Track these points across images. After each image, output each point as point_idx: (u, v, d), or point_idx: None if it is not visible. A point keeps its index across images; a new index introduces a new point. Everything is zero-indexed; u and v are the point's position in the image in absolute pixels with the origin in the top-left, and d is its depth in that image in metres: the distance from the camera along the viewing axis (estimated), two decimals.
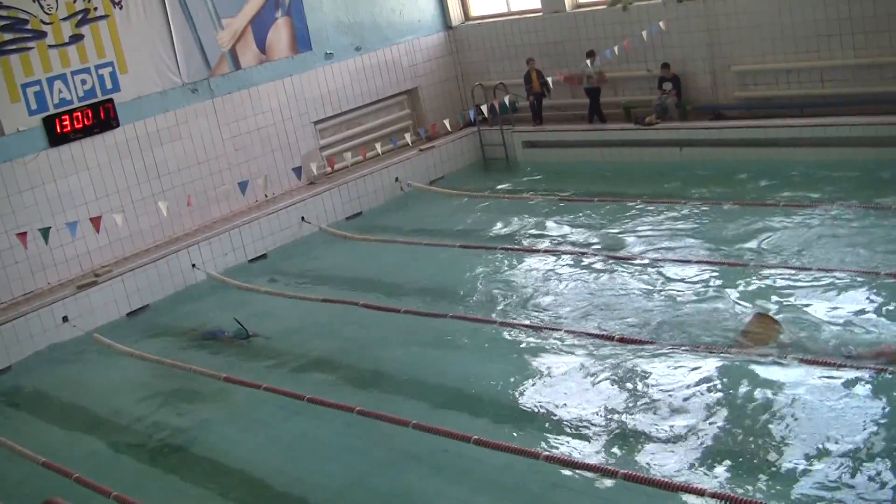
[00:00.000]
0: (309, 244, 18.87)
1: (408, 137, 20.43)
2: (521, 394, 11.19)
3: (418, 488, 9.69)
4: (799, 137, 18.85)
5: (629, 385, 10.83)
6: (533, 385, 11.36)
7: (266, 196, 19.84)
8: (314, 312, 15.09)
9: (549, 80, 21.44)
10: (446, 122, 21.03)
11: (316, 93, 21.20)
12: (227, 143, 19.47)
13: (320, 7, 21.20)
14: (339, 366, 13.02)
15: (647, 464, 9.24)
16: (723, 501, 8.24)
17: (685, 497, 8.50)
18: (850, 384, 9.83)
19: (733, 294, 12.71)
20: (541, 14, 22.96)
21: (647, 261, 14.54)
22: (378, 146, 21.20)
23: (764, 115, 19.93)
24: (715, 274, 13.58)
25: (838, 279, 12.60)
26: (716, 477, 8.76)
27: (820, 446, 8.88)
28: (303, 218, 19.33)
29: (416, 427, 10.59)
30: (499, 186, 20.76)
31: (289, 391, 12.21)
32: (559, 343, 12.21)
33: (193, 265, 17.69)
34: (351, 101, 22.03)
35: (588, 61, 19.86)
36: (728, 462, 9.00)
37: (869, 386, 9.77)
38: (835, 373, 10.06)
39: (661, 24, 20.61)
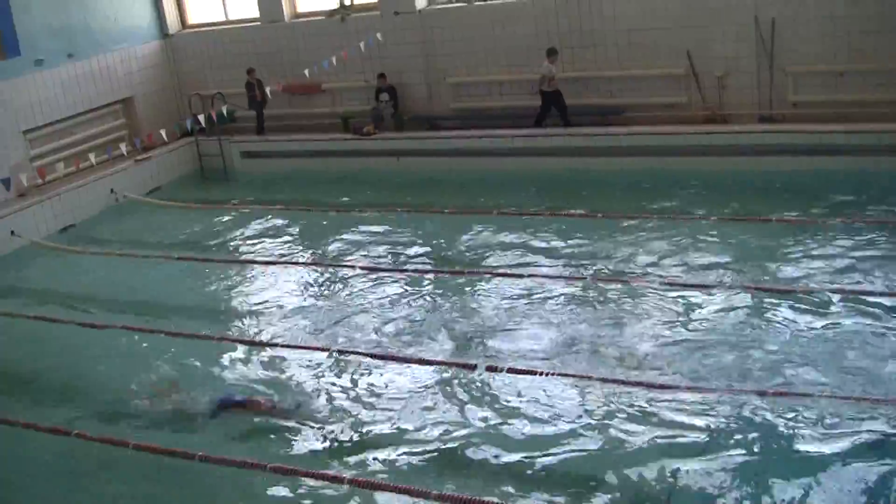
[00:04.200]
0: (20, 258, 17.84)
1: (123, 148, 19.53)
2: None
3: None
4: (512, 147, 19.49)
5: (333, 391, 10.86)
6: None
7: None
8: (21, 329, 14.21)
9: (268, 89, 21.30)
10: (163, 133, 20.28)
11: (26, 101, 19.83)
12: None
13: (29, 10, 19.82)
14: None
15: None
16: None
17: None
18: None
19: (445, 304, 12.97)
20: (259, 23, 22.66)
21: (365, 268, 14.59)
22: (92, 156, 20.05)
23: (478, 126, 20.53)
24: (432, 282, 13.84)
25: (536, 283, 13.19)
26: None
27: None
28: (13, 232, 18.29)
29: None
30: (217, 197, 20.11)
31: None
32: (274, 357, 12.04)
33: None
34: (63, 110, 20.81)
35: (548, 62, 19.43)
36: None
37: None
38: None
39: (378, 35, 20.76)
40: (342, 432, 9.83)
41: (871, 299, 11.40)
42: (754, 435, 8.81)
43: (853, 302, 11.39)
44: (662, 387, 9.84)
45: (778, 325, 11.05)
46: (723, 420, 9.11)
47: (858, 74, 17.88)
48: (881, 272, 12.25)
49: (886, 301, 11.27)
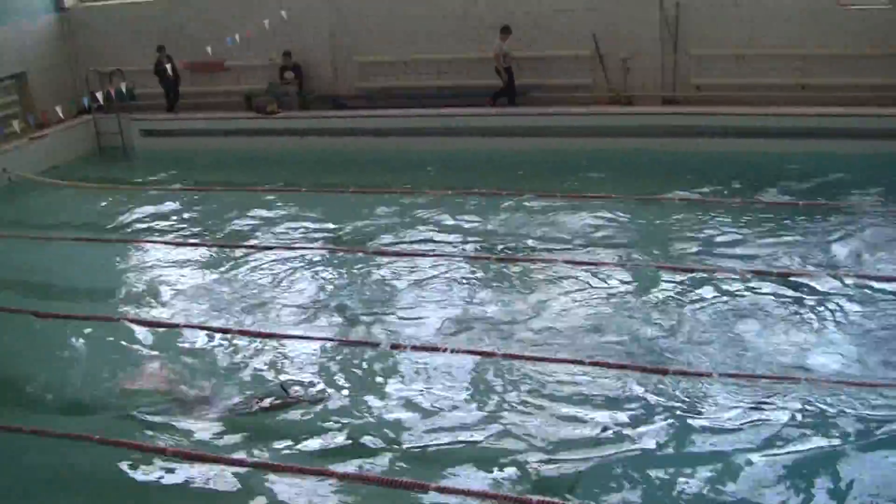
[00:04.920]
0: None
1: (16, 125, 18.94)
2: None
3: None
4: (418, 127, 19.35)
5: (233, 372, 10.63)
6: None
7: None
8: None
9: (168, 67, 20.82)
10: (59, 110, 19.76)
11: None
12: None
13: None
14: None
15: None
16: None
17: None
18: None
19: (349, 283, 12.81)
20: None
21: (267, 248, 14.28)
22: None
23: (383, 106, 20.33)
24: (336, 261, 13.67)
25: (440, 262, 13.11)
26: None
27: None
28: None
29: None
30: (115, 177, 19.46)
31: None
32: (177, 338, 11.74)
33: None
34: None
35: (500, 39, 19.11)
36: None
37: None
38: None
39: (283, 13, 20.41)
40: (249, 412, 9.61)
41: (769, 278, 11.55)
42: (654, 412, 8.82)
43: (752, 281, 11.51)
44: (565, 361, 9.82)
45: (678, 302, 11.11)
46: (624, 397, 9.12)
47: (759, 58, 18.13)
48: (781, 252, 12.42)
49: (784, 280, 11.41)
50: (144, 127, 21.58)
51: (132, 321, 12.06)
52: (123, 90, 20.58)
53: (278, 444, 8.92)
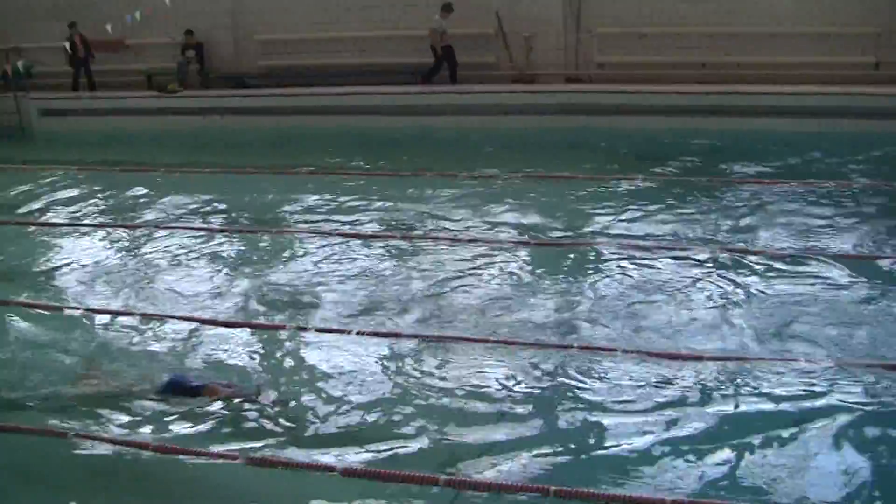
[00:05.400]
0: None
1: None
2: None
3: None
4: (321, 106, 19.20)
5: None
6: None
7: None
8: None
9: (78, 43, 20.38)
10: None
11: None
12: None
13: None
14: None
15: None
16: None
17: None
18: None
19: (253, 265, 12.57)
20: None
21: (169, 228, 14.01)
22: None
23: (288, 84, 20.23)
24: (239, 241, 13.45)
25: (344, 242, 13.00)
26: None
27: None
28: None
29: None
30: (10, 157, 18.87)
31: None
32: (75, 321, 11.45)
33: None
34: None
35: (440, 16, 18.91)
36: None
37: None
38: None
39: None
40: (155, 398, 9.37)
41: (669, 254, 11.58)
42: (559, 389, 8.78)
43: (654, 256, 11.52)
44: (468, 340, 9.74)
45: (580, 279, 11.07)
46: (530, 374, 9.07)
47: (661, 36, 18.30)
48: (682, 227, 12.51)
49: (685, 255, 11.47)
50: (43, 106, 21.05)
51: (26, 306, 11.77)
52: (20, 68, 20.07)
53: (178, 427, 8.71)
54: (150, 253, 13.21)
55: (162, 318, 10.87)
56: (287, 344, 10.14)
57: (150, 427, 8.53)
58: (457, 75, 19.31)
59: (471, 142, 17.36)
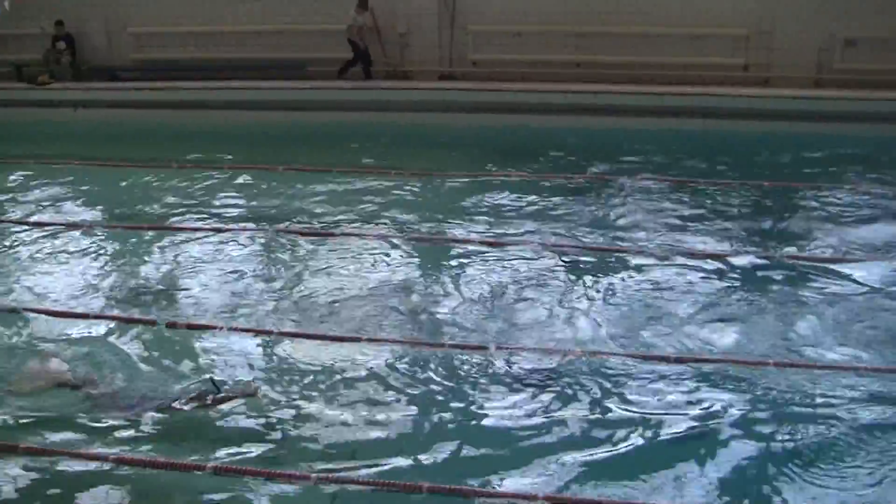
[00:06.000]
0: None
1: None
2: None
3: None
4: (199, 100, 19.00)
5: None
6: None
7: None
8: None
9: None
10: None
11: None
12: None
13: None
14: None
15: None
16: None
17: None
18: None
19: (123, 261, 12.28)
20: None
21: (37, 224, 13.58)
22: None
23: (161, 78, 19.88)
24: (111, 237, 13.07)
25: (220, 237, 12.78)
26: None
27: None
28: None
29: None
30: None
31: None
32: None
33: None
34: None
35: (356, 12, 18.64)
36: None
37: None
38: None
39: None
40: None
41: (565, 247, 11.75)
42: (431, 386, 8.74)
43: (528, 253, 11.62)
44: (343, 340, 9.61)
45: (455, 276, 11.10)
46: (399, 371, 8.98)
47: (537, 35, 18.39)
48: (557, 225, 12.64)
49: (562, 253, 11.60)
50: None
51: None
52: None
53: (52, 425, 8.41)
54: (11, 248, 12.92)
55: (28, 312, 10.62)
56: (148, 338, 9.90)
57: None
58: (370, 71, 19.32)
59: (344, 137, 17.31)
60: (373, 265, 11.62)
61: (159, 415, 8.36)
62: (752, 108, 17.21)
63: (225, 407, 8.45)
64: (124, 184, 15.43)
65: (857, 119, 16.66)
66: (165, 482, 7.42)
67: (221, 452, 7.69)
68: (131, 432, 8.16)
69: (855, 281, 10.44)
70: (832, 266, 10.84)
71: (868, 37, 17.63)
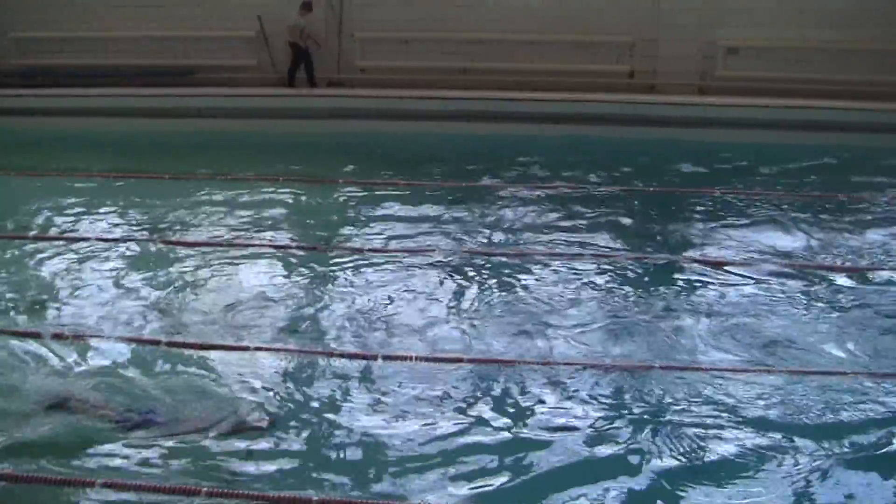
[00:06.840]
0: None
1: None
2: None
3: None
4: (87, 107, 18.55)
5: None
6: None
7: None
8: None
9: None
10: None
11: None
12: None
13: None
14: None
15: None
16: None
17: None
18: None
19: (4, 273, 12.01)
20: None
21: None
22: None
23: (45, 84, 19.39)
24: None
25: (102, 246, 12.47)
26: None
27: None
28: None
29: None
30: None
31: None
32: None
33: None
34: None
35: (298, 14, 18.23)
36: None
37: None
38: None
39: None
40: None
41: (456, 253, 11.69)
42: (318, 393, 8.63)
43: (409, 261, 11.51)
44: (232, 348, 9.34)
45: (355, 284, 10.88)
46: (287, 380, 8.80)
47: (424, 42, 18.43)
48: (444, 229, 12.65)
49: (448, 259, 11.54)
50: None
51: None
52: None
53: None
54: None
55: None
56: (37, 353, 9.61)
57: None
58: (314, 76, 19.11)
59: (231, 145, 17.08)
60: (260, 274, 11.39)
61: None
62: (637, 114, 17.44)
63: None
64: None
65: (740, 125, 16.99)
66: None
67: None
68: None
69: (736, 284, 10.61)
70: (715, 270, 10.96)
71: (749, 46, 17.97)
